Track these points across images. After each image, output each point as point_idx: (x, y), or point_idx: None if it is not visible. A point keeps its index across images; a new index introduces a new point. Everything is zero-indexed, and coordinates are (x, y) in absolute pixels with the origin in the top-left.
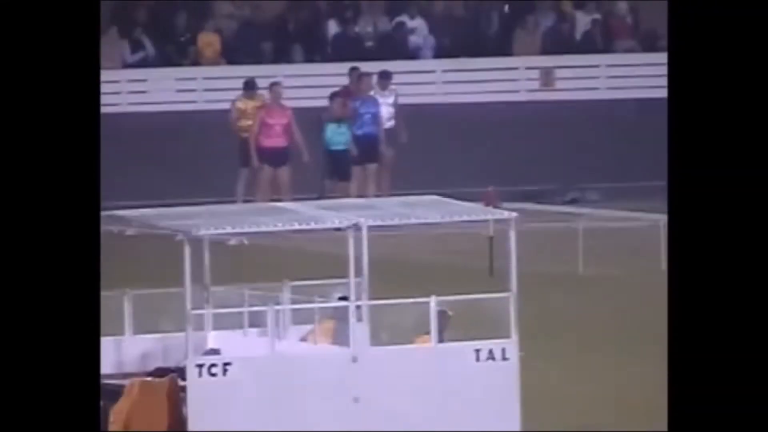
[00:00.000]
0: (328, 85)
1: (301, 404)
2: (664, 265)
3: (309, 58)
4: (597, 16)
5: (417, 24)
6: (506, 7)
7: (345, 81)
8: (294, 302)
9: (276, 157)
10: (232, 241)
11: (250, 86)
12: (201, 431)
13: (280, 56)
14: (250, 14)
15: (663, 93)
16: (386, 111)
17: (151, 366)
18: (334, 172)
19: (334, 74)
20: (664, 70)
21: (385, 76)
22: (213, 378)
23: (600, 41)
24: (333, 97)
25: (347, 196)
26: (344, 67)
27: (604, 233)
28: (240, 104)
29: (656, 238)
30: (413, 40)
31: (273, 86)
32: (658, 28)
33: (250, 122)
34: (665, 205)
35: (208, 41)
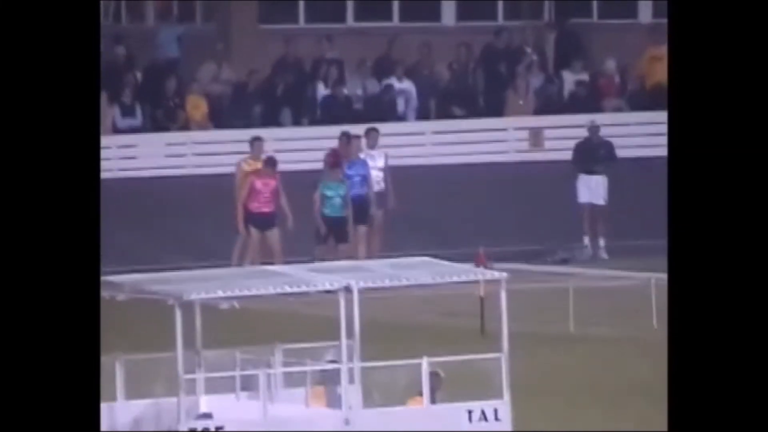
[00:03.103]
0: (317, 149)
1: None
2: (655, 323)
3: (297, 121)
4: (584, 76)
5: (405, 86)
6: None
7: (334, 143)
8: (286, 365)
9: (264, 222)
10: (224, 305)
11: (257, 142)
12: None
13: (269, 119)
14: (239, 78)
15: (651, 152)
16: (376, 173)
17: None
18: (329, 235)
19: (323, 137)
20: (653, 128)
21: (372, 133)
22: None
23: (588, 101)
24: (325, 159)
25: (338, 258)
26: (333, 129)
27: (594, 292)
28: (245, 166)
29: (647, 296)
30: (402, 102)
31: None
32: (646, 87)
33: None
34: (656, 263)
35: (196, 104)
